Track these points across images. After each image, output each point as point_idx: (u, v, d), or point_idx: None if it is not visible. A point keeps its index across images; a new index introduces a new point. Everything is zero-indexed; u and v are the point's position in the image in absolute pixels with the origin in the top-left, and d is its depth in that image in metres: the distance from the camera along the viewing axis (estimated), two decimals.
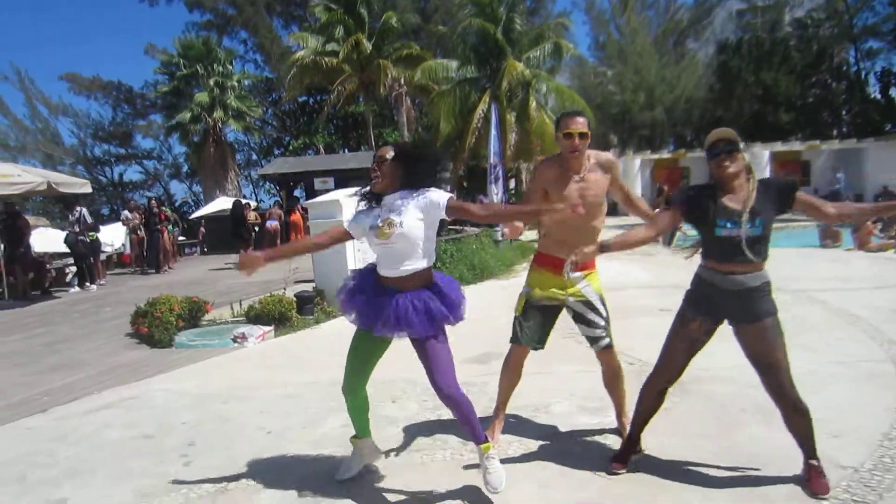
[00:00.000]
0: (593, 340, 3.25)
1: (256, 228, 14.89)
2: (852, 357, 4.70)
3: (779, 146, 24.01)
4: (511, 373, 3.42)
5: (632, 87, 29.88)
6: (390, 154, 2.79)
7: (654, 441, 3.21)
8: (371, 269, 2.91)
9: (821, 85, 28.15)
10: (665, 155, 27.11)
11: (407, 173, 2.77)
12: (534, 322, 3.25)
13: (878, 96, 29.04)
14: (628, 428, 3.18)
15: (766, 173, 22.83)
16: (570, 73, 31.19)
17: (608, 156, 3.30)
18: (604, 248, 2.83)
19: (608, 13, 35.03)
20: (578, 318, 3.25)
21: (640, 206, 3.46)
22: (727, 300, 2.72)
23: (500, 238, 12.63)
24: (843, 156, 24.12)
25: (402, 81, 20.38)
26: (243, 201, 16.77)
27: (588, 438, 3.43)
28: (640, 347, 5.18)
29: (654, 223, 2.94)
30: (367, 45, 21.36)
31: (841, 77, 29.28)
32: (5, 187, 9.77)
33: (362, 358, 2.91)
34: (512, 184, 24.76)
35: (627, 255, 12.26)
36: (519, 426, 3.67)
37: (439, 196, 2.75)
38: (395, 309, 2.70)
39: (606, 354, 3.28)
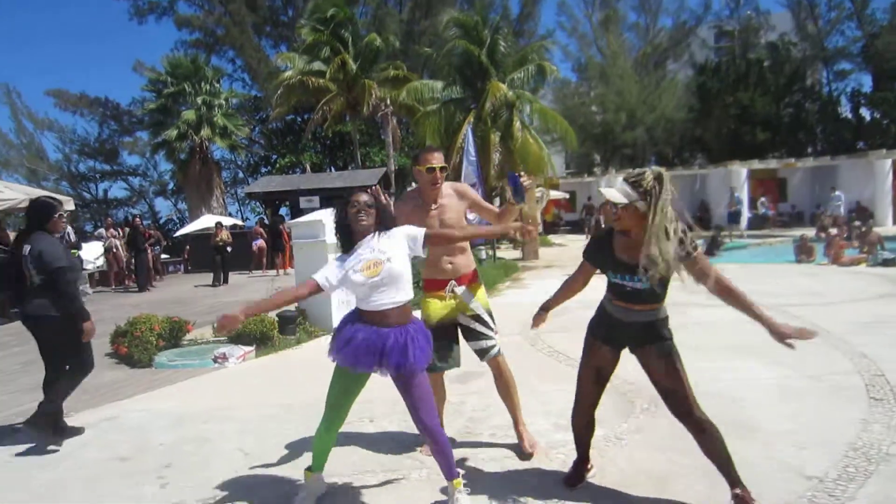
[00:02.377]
0: (483, 352, 3.45)
1: (229, 249, 14.57)
2: (822, 370, 4.82)
3: (756, 164, 24.45)
4: (435, 394, 3.54)
5: (613, 108, 30.38)
6: (370, 199, 2.90)
7: (630, 456, 3.25)
8: (354, 315, 2.93)
9: (795, 105, 28.87)
10: None
11: (382, 218, 2.92)
12: (439, 345, 3.34)
13: (850, 116, 29.88)
14: (525, 436, 3.50)
15: (745, 190, 23.24)
16: (552, 95, 31.66)
17: (462, 185, 3.60)
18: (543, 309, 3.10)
19: (590, 35, 35.76)
20: (467, 334, 3.45)
21: (495, 214, 3.59)
22: (625, 330, 2.81)
23: (483, 257, 12.74)
24: (818, 173, 24.64)
25: (388, 101, 20.55)
26: (215, 221, 16.64)
27: (562, 455, 3.47)
28: (619, 366, 5.28)
29: (567, 285, 3.05)
30: (353, 66, 21.57)
31: (814, 97, 30.10)
32: None
33: (345, 394, 2.95)
34: (497, 202, 24.98)
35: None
36: (495, 444, 3.71)
37: (416, 231, 2.91)
38: (394, 345, 2.77)
39: (496, 364, 3.47)
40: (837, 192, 20.43)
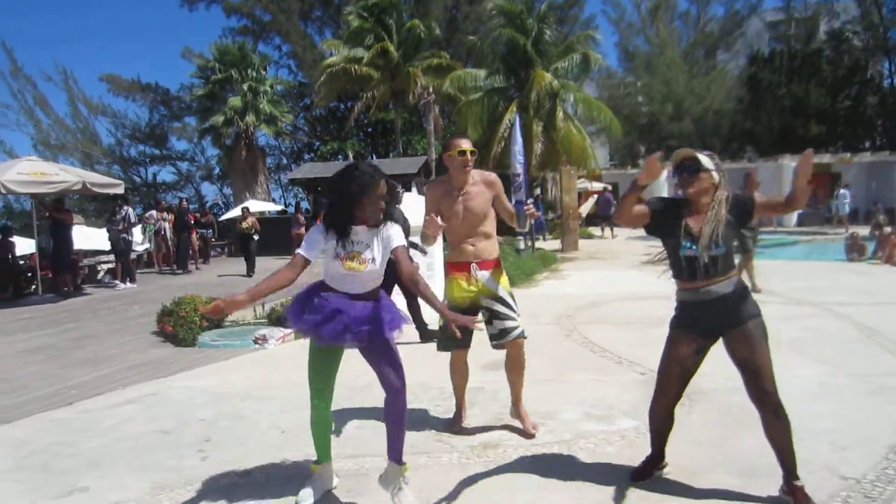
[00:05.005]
0: (505, 332, 3.46)
1: (256, 237, 13.64)
2: (866, 370, 4.67)
3: None
4: (458, 373, 3.75)
5: (660, 99, 29.74)
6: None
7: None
8: (317, 287, 2.92)
9: (854, 98, 27.58)
10: None
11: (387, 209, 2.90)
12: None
13: None
14: (527, 417, 3.61)
15: None
16: (596, 84, 31.13)
17: (491, 175, 3.61)
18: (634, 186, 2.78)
19: (637, 24, 34.96)
20: (491, 315, 3.49)
21: (510, 214, 3.58)
22: (708, 312, 2.74)
23: (521, 247, 12.68)
24: (875, 169, 23.55)
25: (431, 90, 20.56)
26: (241, 207, 16.10)
27: (592, 445, 3.47)
28: (653, 358, 5.19)
29: (631, 200, 2.83)
30: (395, 53, 21.63)
31: (874, 90, 28.70)
32: (43, 186, 10.14)
33: (326, 373, 2.95)
34: (538, 191, 24.77)
35: (650, 267, 12.16)
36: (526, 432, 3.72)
37: (398, 240, 2.84)
38: (361, 313, 2.79)
39: (516, 345, 3.50)
40: (843, 191, 19.65)
